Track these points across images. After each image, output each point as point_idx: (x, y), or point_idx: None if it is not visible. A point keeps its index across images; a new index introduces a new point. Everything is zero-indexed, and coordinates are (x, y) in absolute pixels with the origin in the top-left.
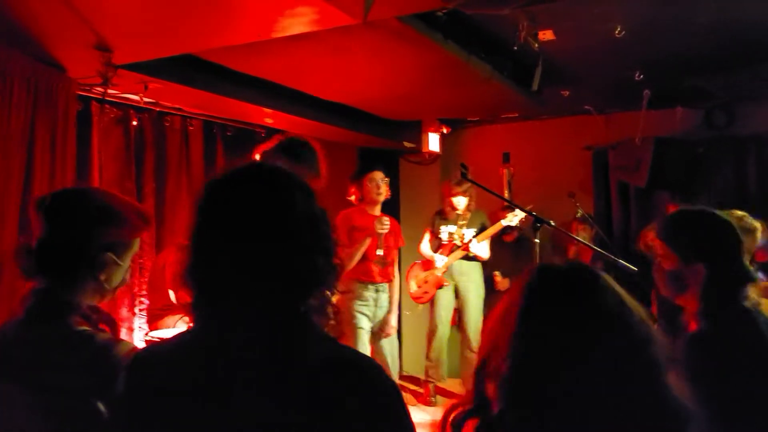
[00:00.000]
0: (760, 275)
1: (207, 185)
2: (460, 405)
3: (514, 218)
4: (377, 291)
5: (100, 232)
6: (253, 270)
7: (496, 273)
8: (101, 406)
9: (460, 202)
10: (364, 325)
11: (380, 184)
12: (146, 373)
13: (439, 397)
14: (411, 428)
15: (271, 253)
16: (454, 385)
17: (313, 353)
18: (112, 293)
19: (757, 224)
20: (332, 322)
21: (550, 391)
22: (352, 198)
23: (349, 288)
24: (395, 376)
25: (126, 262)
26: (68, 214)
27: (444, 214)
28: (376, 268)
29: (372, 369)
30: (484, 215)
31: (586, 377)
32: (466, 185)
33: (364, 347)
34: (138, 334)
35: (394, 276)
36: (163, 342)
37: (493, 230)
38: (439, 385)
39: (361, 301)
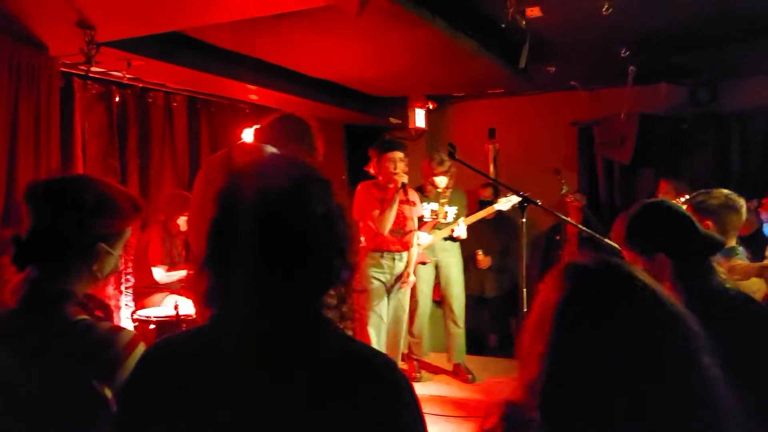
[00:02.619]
0: (741, 249)
1: (228, 177)
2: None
3: (508, 203)
4: (394, 259)
5: (94, 223)
6: (268, 267)
7: (479, 251)
8: (108, 393)
9: (442, 181)
10: (379, 291)
11: (398, 165)
12: (158, 368)
13: (424, 373)
14: (422, 425)
15: (288, 251)
16: (438, 359)
17: (327, 350)
18: (104, 281)
19: (742, 201)
20: (347, 320)
21: (584, 402)
22: (370, 170)
23: (366, 257)
24: (402, 333)
25: (118, 251)
26: (62, 204)
27: (424, 192)
28: (392, 238)
29: (385, 366)
30: (463, 193)
31: (623, 390)
32: (448, 165)
33: (379, 309)
34: (124, 312)
35: (412, 245)
36: (176, 336)
37: (485, 213)
38: (422, 359)
39: (377, 268)
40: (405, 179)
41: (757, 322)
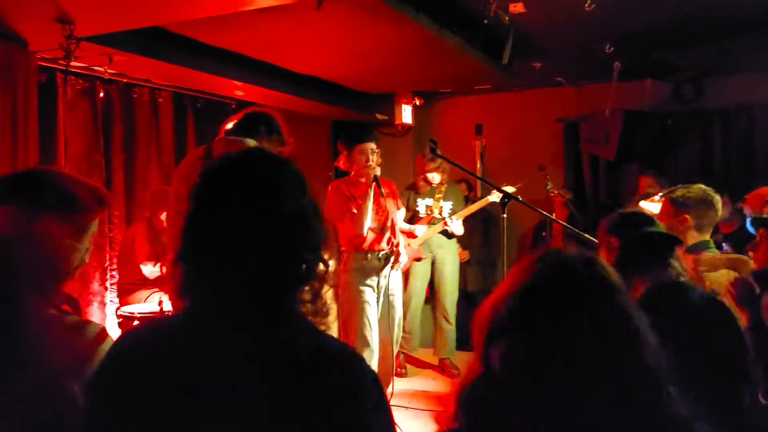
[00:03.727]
0: (725, 246)
1: (203, 172)
2: (468, 377)
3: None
4: (379, 259)
5: (56, 219)
6: (242, 263)
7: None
8: (76, 387)
9: (435, 177)
10: (369, 297)
11: (370, 157)
12: (128, 360)
13: (409, 367)
14: (389, 420)
15: (262, 248)
16: (426, 355)
17: (300, 346)
18: (71, 275)
19: (718, 197)
20: (321, 315)
21: (545, 372)
22: (341, 164)
23: (349, 260)
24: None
25: (84, 244)
26: (22, 200)
27: (417, 189)
28: (373, 236)
29: (352, 360)
30: (459, 188)
31: (580, 371)
32: (440, 161)
33: (369, 321)
34: (110, 308)
35: (397, 237)
36: (146, 327)
37: (478, 205)
38: (412, 354)
39: (362, 271)
40: (377, 172)
41: (707, 313)
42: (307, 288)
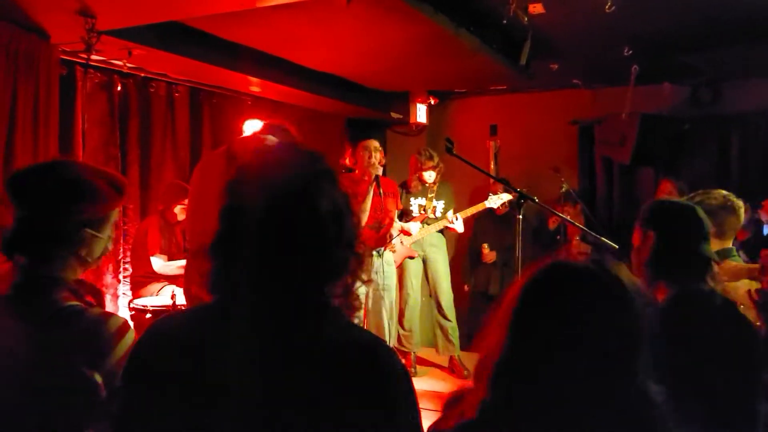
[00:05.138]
0: (741, 255)
1: (238, 167)
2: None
3: (498, 200)
4: (371, 256)
5: (75, 209)
6: (277, 258)
7: (484, 245)
8: (98, 378)
9: (431, 176)
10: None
11: (373, 154)
12: (156, 355)
13: (419, 368)
14: (417, 413)
15: (297, 244)
16: (429, 354)
17: (330, 340)
18: (95, 264)
19: (741, 203)
20: (354, 309)
21: (534, 385)
22: (347, 161)
23: None
24: (392, 333)
25: (106, 233)
26: (40, 192)
27: (410, 188)
28: (369, 233)
29: (386, 354)
30: (449, 186)
31: (569, 376)
32: (437, 160)
33: (362, 312)
34: (122, 300)
35: (391, 239)
36: (177, 318)
37: (474, 210)
38: (415, 353)
39: None
40: (379, 171)
41: (731, 327)
42: (339, 282)
